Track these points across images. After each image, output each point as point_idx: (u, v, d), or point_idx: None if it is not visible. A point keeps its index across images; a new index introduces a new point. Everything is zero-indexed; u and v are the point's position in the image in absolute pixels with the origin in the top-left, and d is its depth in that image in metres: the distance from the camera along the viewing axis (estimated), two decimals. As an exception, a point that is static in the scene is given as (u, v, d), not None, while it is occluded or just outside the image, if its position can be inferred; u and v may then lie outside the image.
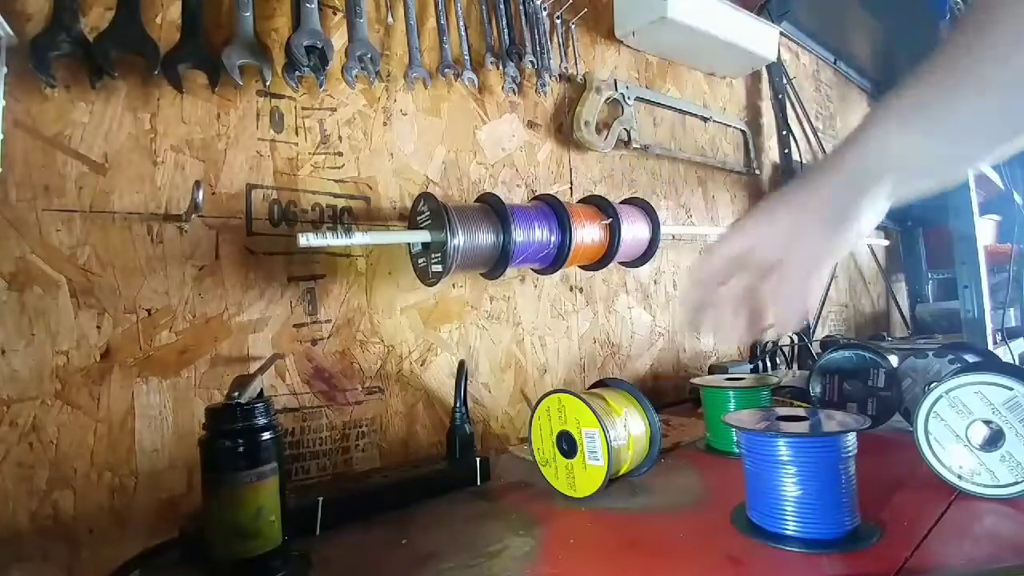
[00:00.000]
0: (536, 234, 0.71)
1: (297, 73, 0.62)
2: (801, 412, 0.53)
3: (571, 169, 0.95)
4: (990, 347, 1.12)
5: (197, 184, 0.52)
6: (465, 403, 0.67)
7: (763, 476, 0.48)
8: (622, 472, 0.59)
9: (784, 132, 1.41)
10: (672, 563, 0.44)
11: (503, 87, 0.83)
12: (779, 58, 1.31)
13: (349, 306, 0.67)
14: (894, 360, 0.78)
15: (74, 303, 0.51)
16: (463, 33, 0.78)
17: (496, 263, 0.70)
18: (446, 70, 0.76)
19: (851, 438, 0.47)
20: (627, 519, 0.53)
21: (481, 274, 0.73)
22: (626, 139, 1.00)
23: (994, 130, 0.42)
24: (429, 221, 0.65)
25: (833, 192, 0.43)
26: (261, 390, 0.48)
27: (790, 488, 0.46)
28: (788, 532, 0.46)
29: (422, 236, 0.65)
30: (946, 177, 0.44)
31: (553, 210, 0.74)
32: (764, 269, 0.44)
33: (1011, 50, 0.36)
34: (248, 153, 0.61)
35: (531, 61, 0.85)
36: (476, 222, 0.66)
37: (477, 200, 0.72)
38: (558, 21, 0.91)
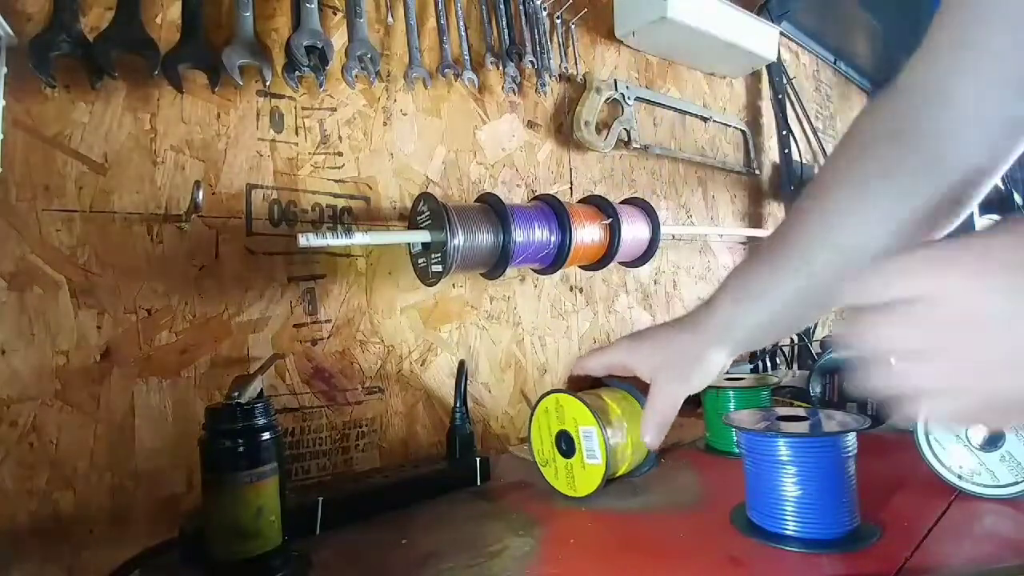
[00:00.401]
0: (536, 234, 0.71)
1: (297, 73, 0.62)
2: (801, 412, 0.53)
3: (571, 169, 0.95)
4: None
5: (197, 184, 0.52)
6: (465, 403, 0.67)
7: (763, 476, 0.48)
8: (621, 472, 0.59)
9: (784, 132, 1.41)
10: (672, 563, 0.44)
11: (503, 87, 0.83)
12: (779, 58, 1.31)
13: (349, 306, 0.67)
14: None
15: (74, 303, 0.51)
16: (463, 33, 0.78)
17: (496, 263, 0.70)
18: (446, 70, 0.76)
19: (851, 438, 0.47)
20: (627, 519, 0.53)
21: (481, 274, 0.73)
22: (626, 139, 1.00)
23: (816, 301, 0.48)
24: (429, 221, 0.65)
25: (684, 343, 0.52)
26: (261, 390, 0.48)
27: (790, 488, 0.46)
28: (788, 532, 0.46)
29: (422, 236, 0.65)
30: (782, 335, 0.54)
31: (553, 210, 0.74)
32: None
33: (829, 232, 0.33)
34: (248, 153, 0.61)
35: (531, 61, 0.85)
36: (476, 222, 0.66)
37: (477, 200, 0.72)
38: (558, 21, 0.91)
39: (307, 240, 0.49)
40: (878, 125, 0.45)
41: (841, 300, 0.39)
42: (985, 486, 0.52)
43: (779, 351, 1.24)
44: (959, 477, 0.54)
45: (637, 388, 0.60)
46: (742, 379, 0.76)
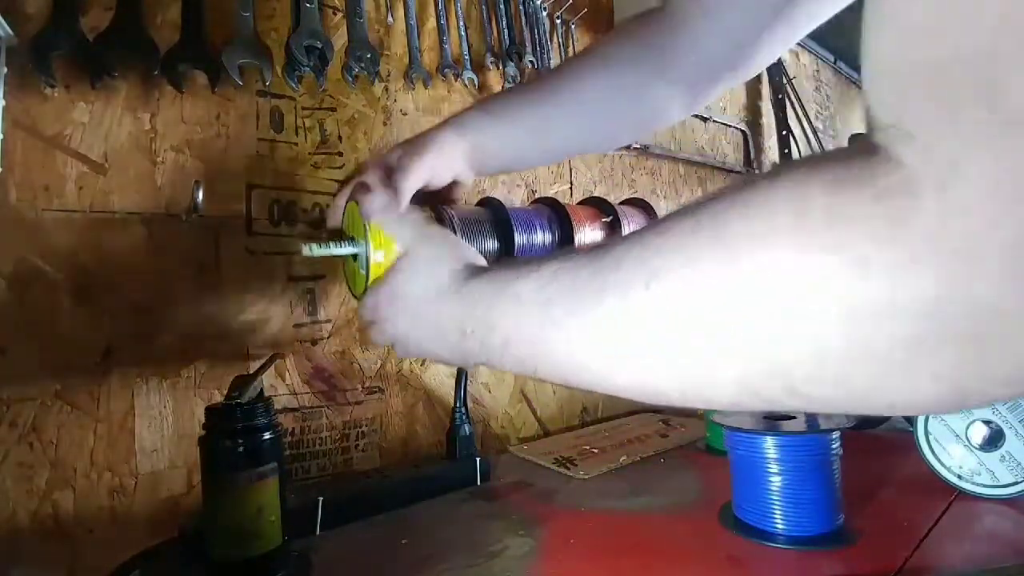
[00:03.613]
0: (537, 237, 0.71)
1: (297, 73, 0.62)
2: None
3: (571, 169, 0.95)
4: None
5: (197, 184, 0.52)
6: (465, 403, 0.67)
7: (748, 473, 0.49)
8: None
9: (784, 132, 1.41)
10: (672, 562, 0.44)
11: (503, 87, 0.83)
12: (779, 58, 1.31)
13: (349, 306, 0.67)
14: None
15: (74, 303, 0.51)
16: (463, 33, 0.78)
17: (496, 265, 0.69)
18: (446, 70, 0.76)
19: (834, 436, 0.48)
20: (627, 519, 0.53)
21: (481, 274, 0.72)
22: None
23: (542, 145, 0.58)
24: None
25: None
26: (261, 390, 0.47)
27: (774, 485, 0.47)
28: (772, 528, 0.47)
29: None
30: (509, 163, 0.60)
31: (555, 212, 0.74)
32: None
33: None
34: (248, 153, 0.61)
35: (531, 61, 0.85)
36: (477, 226, 0.66)
37: (478, 203, 0.72)
38: (558, 21, 0.91)
39: (310, 250, 0.49)
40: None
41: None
42: (985, 486, 0.53)
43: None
44: (959, 477, 0.54)
45: None
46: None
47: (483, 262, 0.43)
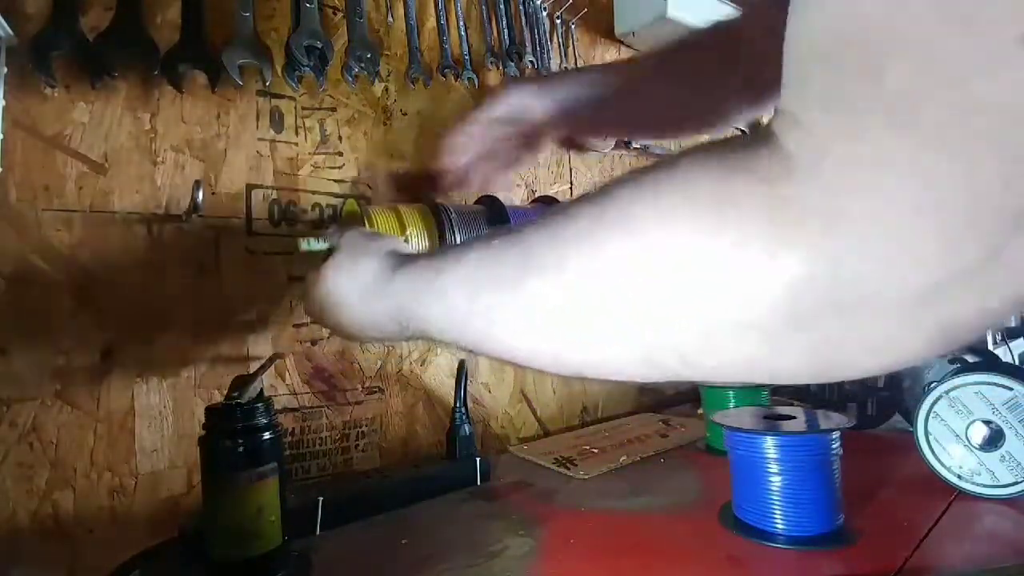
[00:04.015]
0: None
1: (297, 73, 0.62)
2: (793, 411, 0.53)
3: (571, 169, 0.95)
4: (990, 347, 1.12)
5: (197, 184, 0.52)
6: (465, 403, 0.67)
7: (748, 473, 0.49)
8: None
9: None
10: (672, 562, 0.44)
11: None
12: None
13: (349, 306, 0.67)
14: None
15: (74, 303, 0.51)
16: (463, 33, 0.78)
17: (496, 263, 0.69)
18: (446, 70, 0.76)
19: (834, 436, 0.47)
20: (627, 519, 0.53)
21: (481, 274, 0.72)
22: (626, 139, 1.00)
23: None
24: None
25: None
26: (261, 390, 0.47)
27: (774, 485, 0.47)
28: (772, 528, 0.47)
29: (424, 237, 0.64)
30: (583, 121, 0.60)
31: (553, 210, 0.74)
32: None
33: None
34: (248, 153, 0.61)
35: (531, 61, 0.85)
36: (475, 223, 0.66)
37: (477, 202, 0.72)
38: (558, 21, 0.91)
39: (308, 244, 0.49)
40: None
41: None
42: (985, 486, 0.53)
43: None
44: (959, 477, 0.54)
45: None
46: (742, 379, 0.76)
47: (407, 249, 0.45)
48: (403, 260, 0.41)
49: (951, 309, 0.19)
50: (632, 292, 0.25)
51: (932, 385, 0.57)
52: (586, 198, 0.28)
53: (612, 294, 0.26)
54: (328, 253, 0.48)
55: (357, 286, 0.42)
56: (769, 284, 0.21)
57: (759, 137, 0.22)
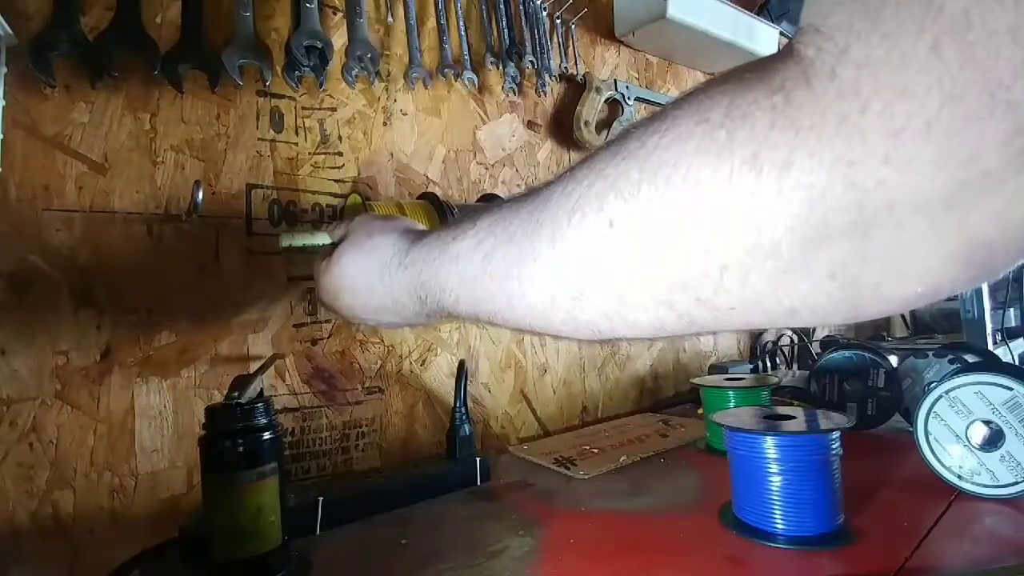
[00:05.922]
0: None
1: (297, 73, 0.62)
2: (793, 411, 0.53)
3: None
4: (990, 347, 1.12)
5: (197, 184, 0.52)
6: (465, 403, 0.67)
7: (747, 473, 0.49)
8: None
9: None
10: (672, 562, 0.44)
11: (503, 87, 0.83)
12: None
13: (349, 306, 0.67)
14: (894, 360, 0.78)
15: (74, 303, 0.51)
16: (463, 33, 0.78)
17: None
18: (446, 70, 0.76)
19: (834, 436, 0.47)
20: (627, 519, 0.53)
21: (481, 274, 0.72)
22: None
23: None
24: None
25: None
26: (261, 390, 0.48)
27: (774, 485, 0.47)
28: (773, 528, 0.47)
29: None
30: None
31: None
32: None
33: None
34: (248, 153, 0.61)
35: (531, 61, 0.85)
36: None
37: (478, 201, 0.72)
38: (558, 21, 0.91)
39: (291, 239, 0.49)
40: None
41: None
42: (985, 486, 0.53)
43: (779, 351, 1.24)
44: (959, 477, 0.54)
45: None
46: (742, 379, 0.76)
47: (420, 226, 0.44)
48: (420, 234, 0.41)
49: (976, 220, 0.18)
50: (645, 229, 0.24)
51: (932, 385, 0.57)
52: (606, 144, 0.27)
53: (625, 234, 0.24)
54: (321, 247, 0.48)
55: (376, 263, 0.41)
56: (784, 200, 0.20)
57: (779, 53, 0.22)
